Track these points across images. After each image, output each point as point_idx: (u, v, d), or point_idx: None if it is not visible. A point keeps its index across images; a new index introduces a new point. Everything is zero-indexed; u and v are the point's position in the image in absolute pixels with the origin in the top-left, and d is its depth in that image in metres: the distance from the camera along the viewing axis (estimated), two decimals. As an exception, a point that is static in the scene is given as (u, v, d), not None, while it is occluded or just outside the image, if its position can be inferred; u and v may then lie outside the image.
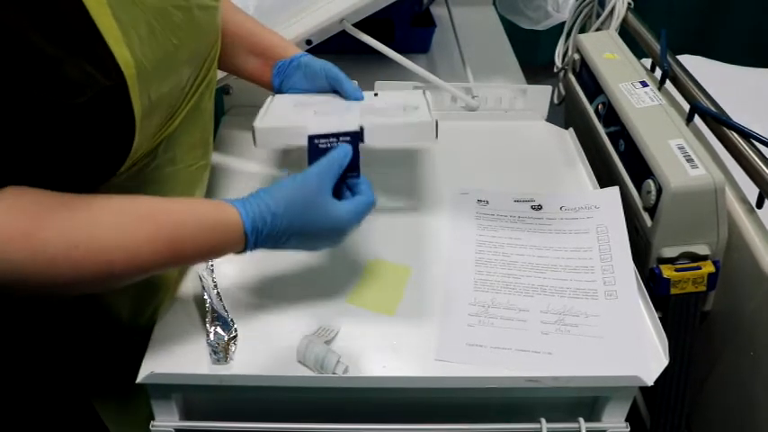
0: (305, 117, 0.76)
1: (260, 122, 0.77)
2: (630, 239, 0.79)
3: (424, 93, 0.87)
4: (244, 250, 0.64)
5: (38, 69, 0.50)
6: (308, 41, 0.95)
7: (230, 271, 0.77)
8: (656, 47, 1.06)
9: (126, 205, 0.58)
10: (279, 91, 0.85)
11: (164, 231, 0.58)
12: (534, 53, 1.80)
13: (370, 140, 0.74)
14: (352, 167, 0.70)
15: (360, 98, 0.81)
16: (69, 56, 0.51)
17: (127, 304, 0.71)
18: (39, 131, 0.53)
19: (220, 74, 0.82)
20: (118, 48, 0.53)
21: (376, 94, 0.85)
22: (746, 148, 0.85)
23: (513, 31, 1.35)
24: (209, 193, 0.87)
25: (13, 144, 0.52)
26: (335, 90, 0.83)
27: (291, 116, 0.78)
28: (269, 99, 0.84)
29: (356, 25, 0.96)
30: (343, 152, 0.69)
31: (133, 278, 0.58)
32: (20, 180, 0.53)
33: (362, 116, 0.76)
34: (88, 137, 0.56)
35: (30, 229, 0.51)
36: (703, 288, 0.85)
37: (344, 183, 0.70)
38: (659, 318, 0.73)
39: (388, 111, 0.79)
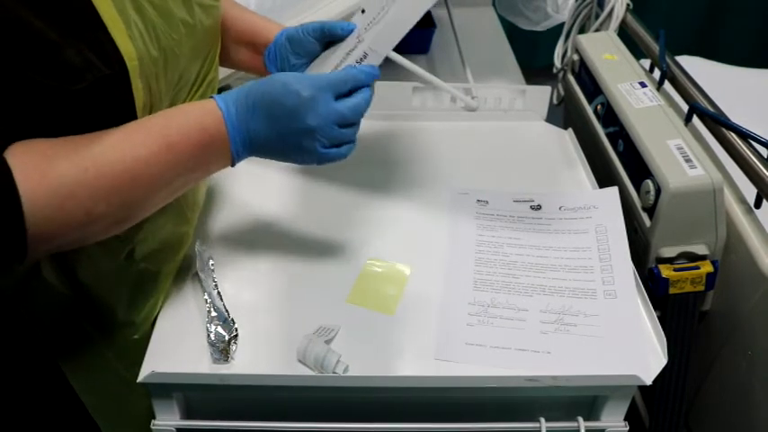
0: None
1: None
2: (629, 239, 0.79)
3: None
4: (226, 133, 0.62)
5: (37, 52, 0.51)
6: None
7: (230, 271, 0.77)
8: (655, 47, 1.07)
9: (121, 127, 0.58)
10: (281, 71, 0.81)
11: (154, 129, 0.59)
12: (534, 55, 1.80)
13: (380, 50, 0.72)
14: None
15: (352, 28, 0.77)
16: (70, 41, 0.51)
17: (122, 299, 0.70)
18: (37, 115, 0.54)
19: (221, 73, 0.82)
20: (121, 38, 0.54)
21: (363, 11, 0.81)
22: (745, 148, 0.85)
23: (512, 33, 1.36)
24: (209, 194, 0.87)
25: (11, 128, 0.53)
26: (329, 41, 0.79)
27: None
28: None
29: (356, 26, 0.96)
30: (363, 75, 0.66)
31: (146, 193, 0.59)
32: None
33: (362, 40, 0.73)
34: (87, 125, 0.56)
35: (43, 167, 0.53)
36: (702, 288, 0.85)
37: None
38: (658, 317, 0.73)
39: (378, 14, 0.76)
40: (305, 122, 0.62)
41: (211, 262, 0.75)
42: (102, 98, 0.55)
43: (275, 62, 0.80)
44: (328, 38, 0.77)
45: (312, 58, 0.79)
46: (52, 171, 0.53)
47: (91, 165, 0.55)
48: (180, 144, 0.60)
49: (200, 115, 0.62)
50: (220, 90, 0.85)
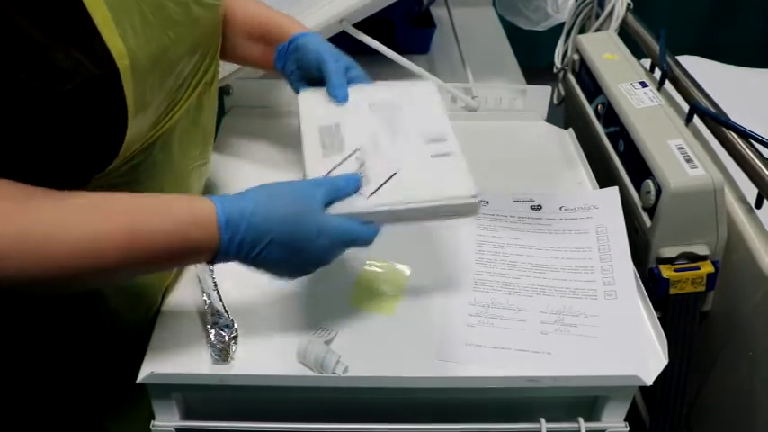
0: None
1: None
2: (630, 239, 0.79)
3: (434, 89, 0.82)
4: (217, 254, 0.59)
5: (24, 53, 0.50)
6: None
7: (230, 271, 0.77)
8: (656, 47, 1.07)
9: (91, 199, 0.56)
10: (283, 73, 0.83)
11: (123, 220, 0.55)
12: (534, 56, 1.80)
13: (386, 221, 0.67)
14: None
15: (343, 98, 0.77)
16: (58, 42, 0.51)
17: (122, 299, 0.70)
18: (26, 117, 0.53)
19: (222, 73, 0.82)
20: (111, 38, 0.53)
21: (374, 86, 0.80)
22: (745, 148, 0.85)
23: (512, 33, 1.36)
24: (207, 192, 0.87)
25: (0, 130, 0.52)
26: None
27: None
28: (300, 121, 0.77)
29: (356, 26, 0.96)
30: (351, 184, 0.65)
31: (92, 278, 0.56)
32: (6, 170, 0.53)
33: (374, 177, 0.67)
34: (77, 126, 0.55)
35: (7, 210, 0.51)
36: (702, 288, 0.85)
37: None
38: (658, 318, 0.73)
39: (406, 150, 0.71)
40: (322, 261, 0.64)
41: (211, 262, 0.75)
42: (93, 98, 0.54)
43: (281, 60, 0.81)
44: (318, 73, 0.78)
45: (311, 73, 0.79)
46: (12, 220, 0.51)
47: (34, 235, 0.52)
48: (151, 243, 0.56)
49: (192, 226, 0.58)
50: (219, 91, 0.85)
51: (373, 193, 0.66)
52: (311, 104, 0.78)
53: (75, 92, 0.53)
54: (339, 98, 0.76)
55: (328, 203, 0.63)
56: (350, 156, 0.70)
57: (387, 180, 0.68)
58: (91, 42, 0.53)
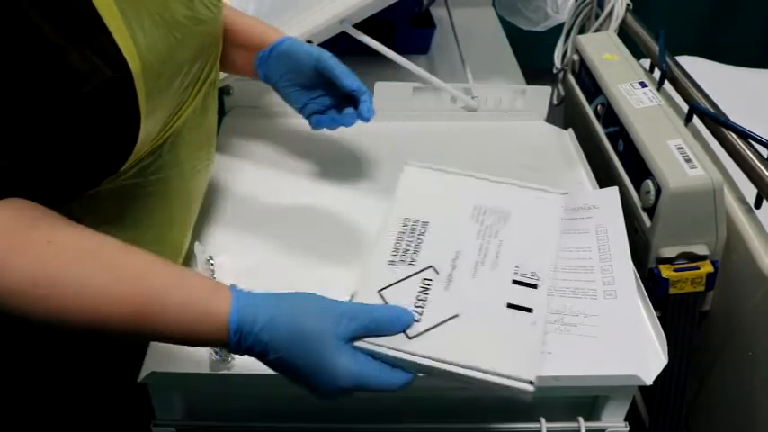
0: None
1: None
2: (629, 239, 0.79)
3: (559, 205, 0.70)
4: (228, 348, 0.55)
5: (41, 55, 0.50)
6: (308, 42, 0.95)
7: (231, 271, 0.77)
8: (655, 47, 1.07)
9: (109, 254, 0.54)
10: (265, 82, 0.81)
11: (139, 297, 0.53)
12: (535, 58, 1.80)
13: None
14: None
15: (361, 90, 0.75)
16: (73, 44, 0.51)
17: None
18: (42, 119, 0.53)
19: (222, 74, 0.82)
20: (123, 40, 0.54)
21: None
22: (745, 148, 0.85)
23: (513, 37, 1.36)
24: (208, 193, 0.87)
25: (15, 132, 0.52)
26: (328, 80, 0.79)
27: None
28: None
29: (356, 26, 0.96)
30: (395, 326, 0.56)
31: (92, 332, 0.54)
32: (22, 178, 0.53)
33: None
34: (92, 129, 0.55)
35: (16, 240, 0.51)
36: (702, 288, 0.85)
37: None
38: (658, 317, 0.73)
39: (484, 287, 0.60)
40: (333, 398, 0.55)
41: (211, 262, 0.75)
42: (107, 101, 0.55)
43: (263, 68, 0.81)
44: (334, 81, 0.77)
45: (303, 79, 0.79)
46: (6, 261, 0.50)
47: (44, 285, 0.51)
48: (159, 327, 0.54)
49: (207, 333, 0.54)
50: (219, 91, 0.85)
51: (420, 334, 0.56)
52: (412, 184, 0.70)
53: (91, 94, 0.53)
54: (358, 90, 0.75)
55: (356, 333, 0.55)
56: (417, 273, 0.61)
57: (441, 322, 0.57)
58: (105, 45, 0.53)
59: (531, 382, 0.54)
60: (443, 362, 0.54)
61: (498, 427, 0.70)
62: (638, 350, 0.69)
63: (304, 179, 0.93)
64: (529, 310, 0.59)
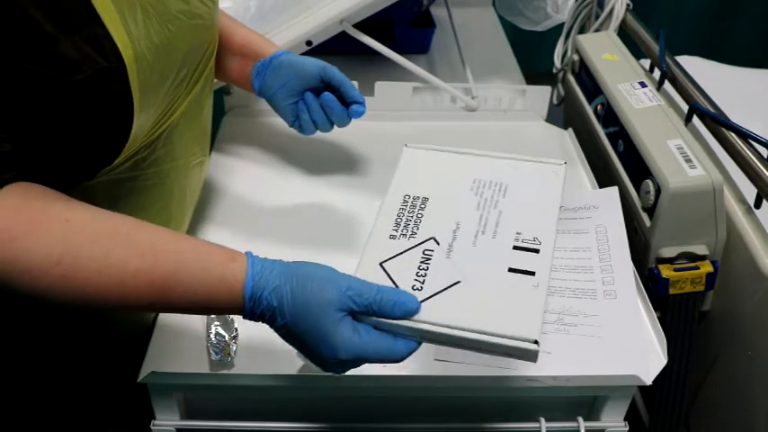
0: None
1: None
2: (629, 239, 0.79)
3: (561, 174, 0.69)
4: (244, 315, 0.56)
5: (33, 43, 0.50)
6: (309, 42, 0.95)
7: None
8: (655, 47, 1.07)
9: (125, 230, 0.55)
10: (260, 93, 0.83)
11: (157, 270, 0.53)
12: (535, 58, 1.80)
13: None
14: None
15: (359, 100, 0.79)
16: (65, 33, 0.51)
17: None
18: (36, 107, 0.53)
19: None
20: (117, 31, 0.54)
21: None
22: (745, 148, 0.85)
23: (514, 39, 1.36)
24: (208, 193, 0.87)
25: (14, 118, 0.52)
26: (329, 89, 0.80)
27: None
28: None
29: (356, 26, 0.96)
30: (397, 308, 0.55)
31: (111, 307, 0.55)
32: (20, 166, 0.53)
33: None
34: (85, 119, 0.56)
35: (17, 233, 0.51)
36: (702, 288, 0.85)
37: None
38: (658, 317, 0.74)
39: (486, 253, 0.61)
40: (335, 370, 0.57)
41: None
42: (100, 90, 0.55)
43: (260, 77, 0.82)
44: (340, 91, 0.79)
45: (300, 89, 0.80)
46: (25, 240, 0.51)
47: (66, 262, 0.51)
48: (177, 298, 0.54)
49: (226, 301, 0.55)
50: (219, 90, 0.85)
51: (422, 301, 0.56)
52: (411, 164, 0.71)
53: (84, 83, 0.53)
54: (358, 100, 0.78)
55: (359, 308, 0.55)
56: (418, 245, 0.61)
57: (444, 289, 0.58)
58: (98, 35, 0.53)
59: (535, 342, 0.54)
60: (447, 326, 0.55)
61: (498, 427, 0.70)
62: (637, 350, 0.69)
63: (303, 179, 0.93)
64: (531, 273, 0.59)
